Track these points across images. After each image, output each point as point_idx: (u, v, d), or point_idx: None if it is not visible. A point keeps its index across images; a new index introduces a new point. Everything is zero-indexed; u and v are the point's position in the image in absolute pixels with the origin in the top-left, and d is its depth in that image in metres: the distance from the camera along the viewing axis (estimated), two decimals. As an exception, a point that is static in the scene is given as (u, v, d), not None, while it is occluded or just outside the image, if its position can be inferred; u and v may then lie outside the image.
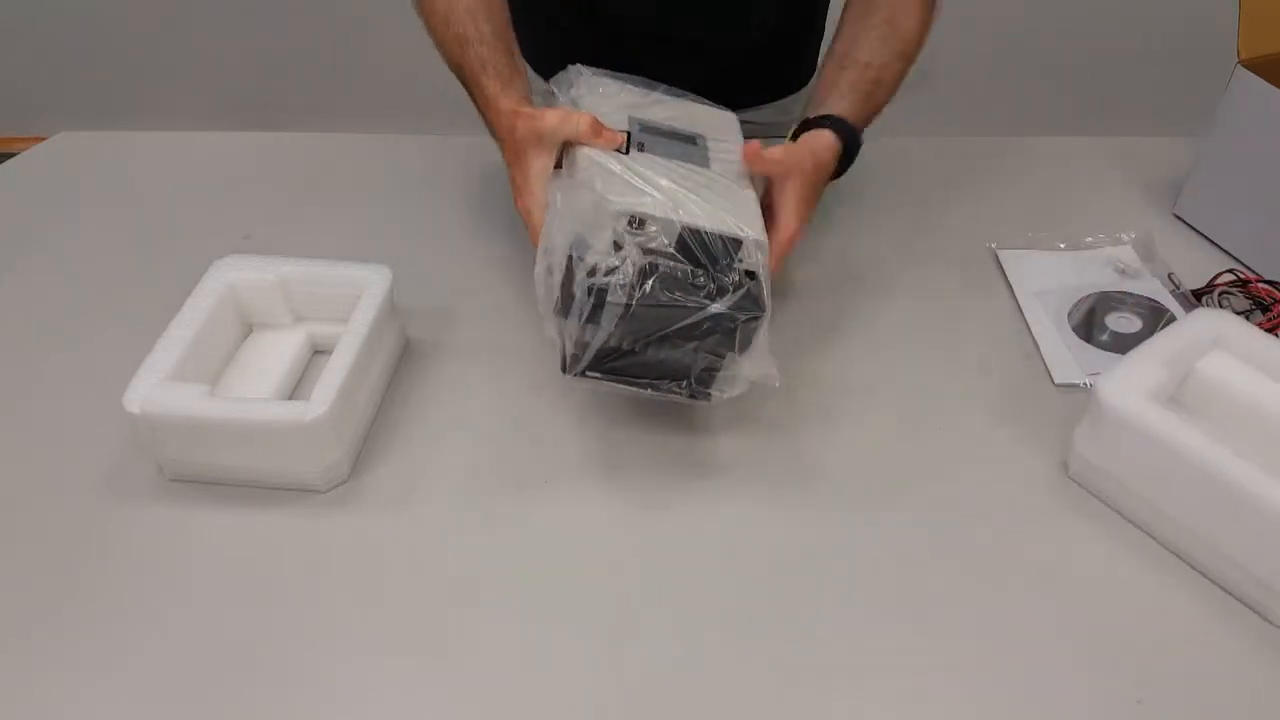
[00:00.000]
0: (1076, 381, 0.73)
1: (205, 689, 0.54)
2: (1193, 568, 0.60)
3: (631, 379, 0.61)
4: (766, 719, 0.53)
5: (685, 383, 0.61)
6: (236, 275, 0.71)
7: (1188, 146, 0.91)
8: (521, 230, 0.73)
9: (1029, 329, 0.78)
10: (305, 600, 0.58)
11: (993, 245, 0.86)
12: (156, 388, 0.61)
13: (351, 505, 0.64)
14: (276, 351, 0.71)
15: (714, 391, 0.62)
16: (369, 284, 0.70)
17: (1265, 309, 0.78)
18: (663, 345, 0.59)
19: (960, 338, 0.77)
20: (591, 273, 0.57)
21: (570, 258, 0.59)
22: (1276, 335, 0.71)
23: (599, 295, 0.57)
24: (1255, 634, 0.57)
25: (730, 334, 0.59)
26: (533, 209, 0.67)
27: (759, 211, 0.66)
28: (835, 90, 0.74)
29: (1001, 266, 0.84)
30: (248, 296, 0.71)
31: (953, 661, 0.56)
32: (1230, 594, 0.58)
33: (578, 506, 0.64)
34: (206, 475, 0.65)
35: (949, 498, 0.65)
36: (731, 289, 0.59)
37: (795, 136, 0.73)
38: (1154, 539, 0.62)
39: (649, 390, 0.61)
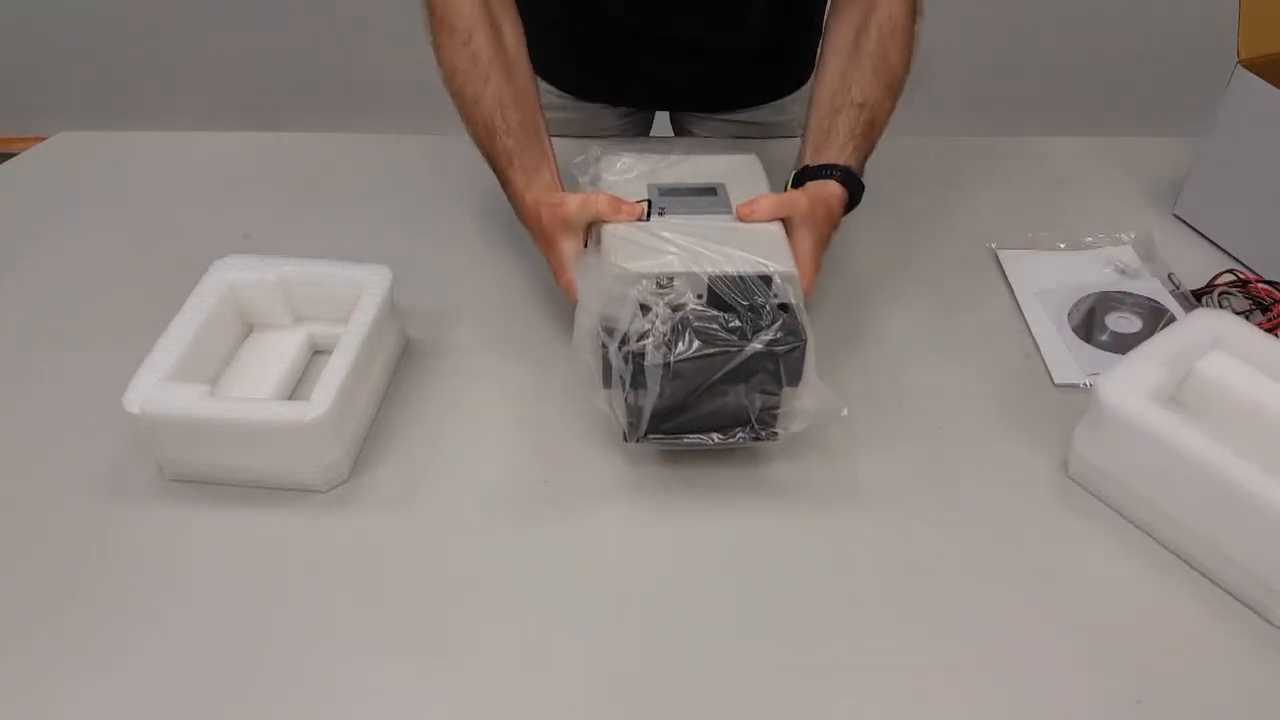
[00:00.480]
0: (1076, 381, 0.73)
1: (205, 689, 0.54)
2: (1193, 568, 0.60)
3: (694, 433, 0.62)
4: (766, 719, 0.53)
5: (748, 426, 0.61)
6: (236, 275, 0.71)
7: (1188, 146, 0.91)
8: (522, 229, 0.74)
9: (1029, 329, 0.78)
10: (305, 600, 0.58)
11: (993, 245, 0.86)
12: (156, 388, 0.61)
13: (351, 505, 0.64)
14: (276, 351, 0.71)
15: (779, 430, 0.62)
16: (369, 284, 0.70)
17: (1265, 309, 0.78)
18: (713, 394, 0.60)
19: (960, 338, 0.77)
20: (623, 342, 0.58)
21: (600, 332, 0.60)
22: (1276, 335, 0.71)
23: (636, 361, 0.58)
24: (1255, 634, 0.57)
25: (774, 369, 0.60)
26: (571, 286, 0.69)
27: (786, 245, 0.66)
28: (834, 136, 0.74)
29: (1001, 266, 0.84)
30: (248, 296, 0.71)
31: (953, 661, 0.56)
32: (1230, 594, 0.58)
33: (578, 506, 0.64)
34: (206, 475, 0.65)
35: (949, 498, 0.65)
36: (766, 325, 0.59)
37: (798, 183, 0.73)
38: (1154, 539, 0.62)
39: (714, 439, 0.62)
